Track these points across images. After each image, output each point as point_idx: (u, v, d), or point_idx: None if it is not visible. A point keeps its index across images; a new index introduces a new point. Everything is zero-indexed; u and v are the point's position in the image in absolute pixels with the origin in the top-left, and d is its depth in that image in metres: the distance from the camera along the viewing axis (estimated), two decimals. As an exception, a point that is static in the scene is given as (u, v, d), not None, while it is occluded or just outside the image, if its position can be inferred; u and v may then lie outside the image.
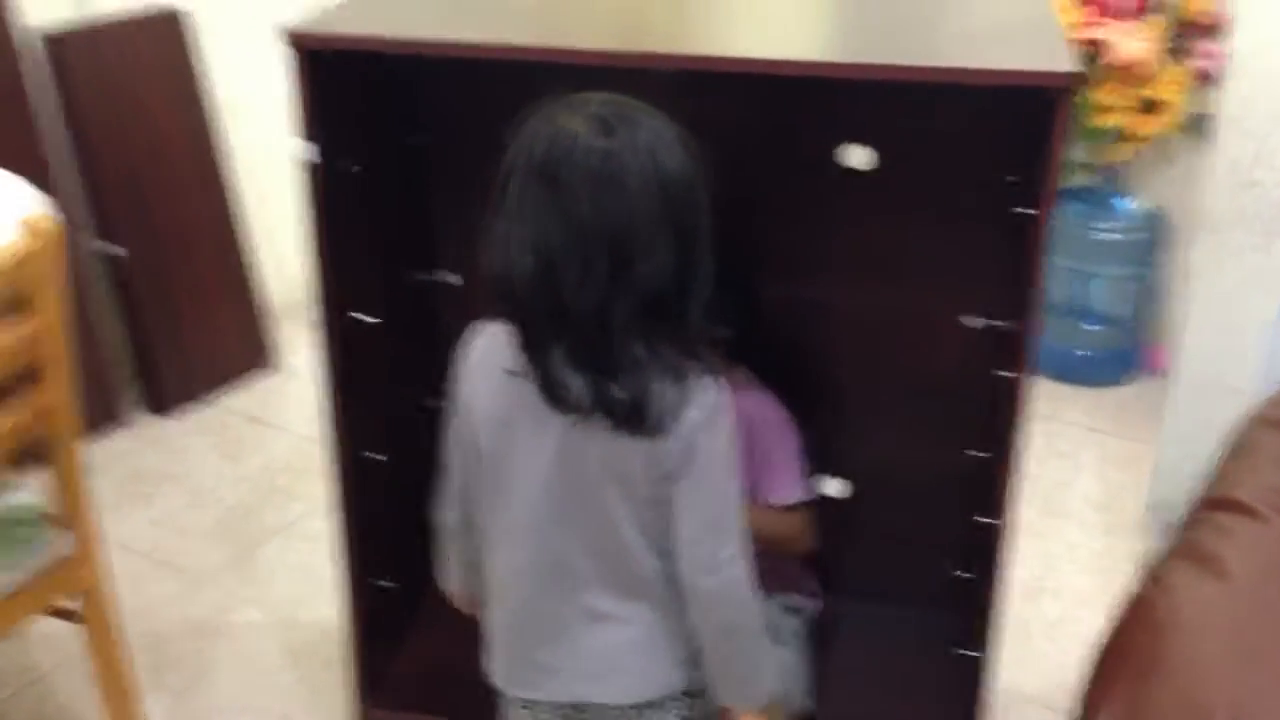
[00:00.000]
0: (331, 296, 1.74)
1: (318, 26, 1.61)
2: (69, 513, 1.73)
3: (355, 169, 1.77)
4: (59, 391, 1.66)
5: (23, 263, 1.55)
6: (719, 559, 1.28)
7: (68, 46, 2.79)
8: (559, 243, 1.14)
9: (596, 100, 1.19)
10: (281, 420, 3.09)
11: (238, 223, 3.20)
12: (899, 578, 2.12)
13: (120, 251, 2.95)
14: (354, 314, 1.82)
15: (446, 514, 1.46)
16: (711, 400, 1.23)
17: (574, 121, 1.17)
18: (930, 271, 1.89)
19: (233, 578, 2.50)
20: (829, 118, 1.82)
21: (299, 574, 2.50)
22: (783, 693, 1.71)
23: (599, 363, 1.19)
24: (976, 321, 1.87)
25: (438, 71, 1.93)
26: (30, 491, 1.71)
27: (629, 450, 1.22)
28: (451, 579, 1.53)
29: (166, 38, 2.98)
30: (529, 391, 1.22)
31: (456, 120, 1.98)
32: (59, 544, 1.72)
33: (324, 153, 1.66)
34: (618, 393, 1.18)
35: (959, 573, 2.00)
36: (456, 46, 1.62)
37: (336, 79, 1.65)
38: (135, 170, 2.95)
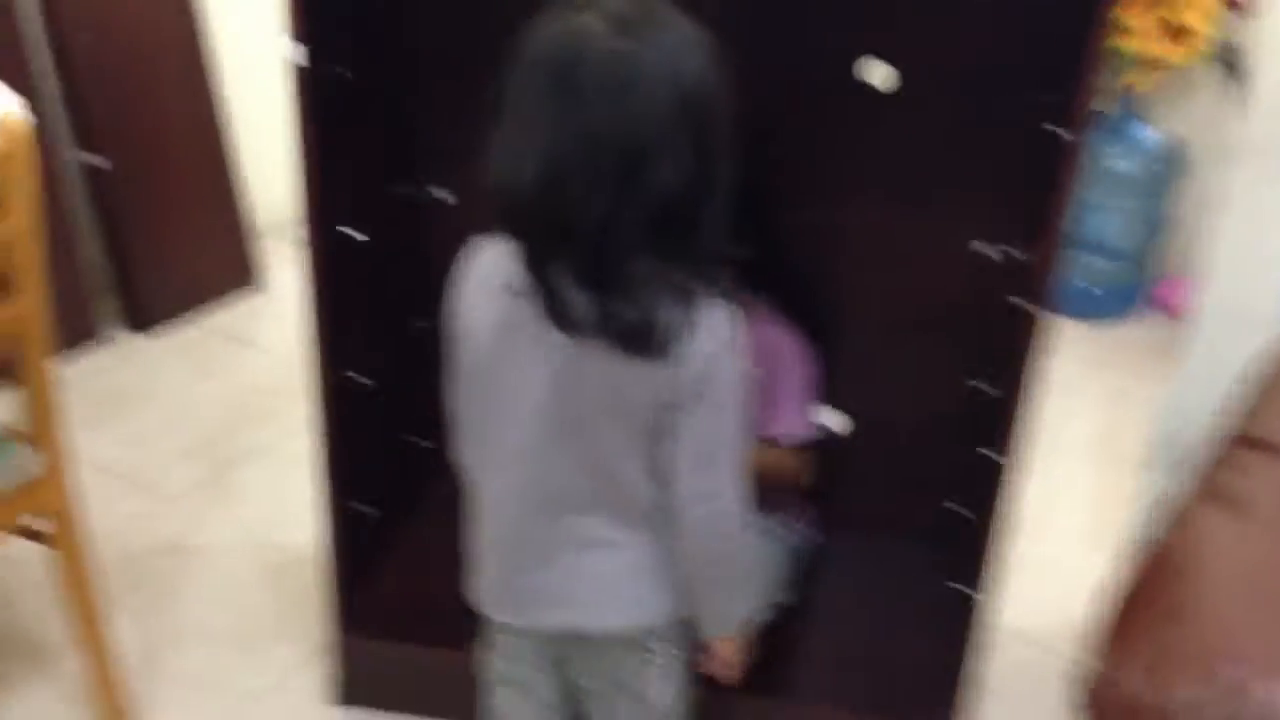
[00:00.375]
0: (318, 210, 1.65)
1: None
2: (39, 432, 1.65)
3: (345, 74, 1.67)
4: (31, 302, 1.58)
5: (-9, 164, 1.46)
6: (714, 490, 1.22)
7: (43, -58, 2.67)
8: (567, 149, 1.06)
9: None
10: (264, 340, 3.01)
11: (224, 134, 3.09)
12: (895, 512, 2.06)
13: (101, 162, 2.84)
14: (342, 229, 1.73)
15: (465, 454, 1.36)
16: (724, 328, 1.16)
17: (589, 19, 1.08)
18: (946, 196, 1.81)
19: (206, 498, 2.43)
20: (847, 29, 1.73)
21: (275, 496, 2.44)
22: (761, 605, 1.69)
23: (604, 280, 1.11)
24: (993, 250, 1.79)
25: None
26: (-3, 408, 1.63)
27: (631, 375, 1.15)
28: None
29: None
30: (529, 310, 1.15)
31: (451, 23, 1.88)
32: (28, 463, 1.64)
33: (313, 56, 1.56)
34: (623, 312, 1.11)
35: (955, 507, 1.95)
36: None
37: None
38: (118, 75, 2.83)
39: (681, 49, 1.09)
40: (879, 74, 1.72)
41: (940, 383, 1.92)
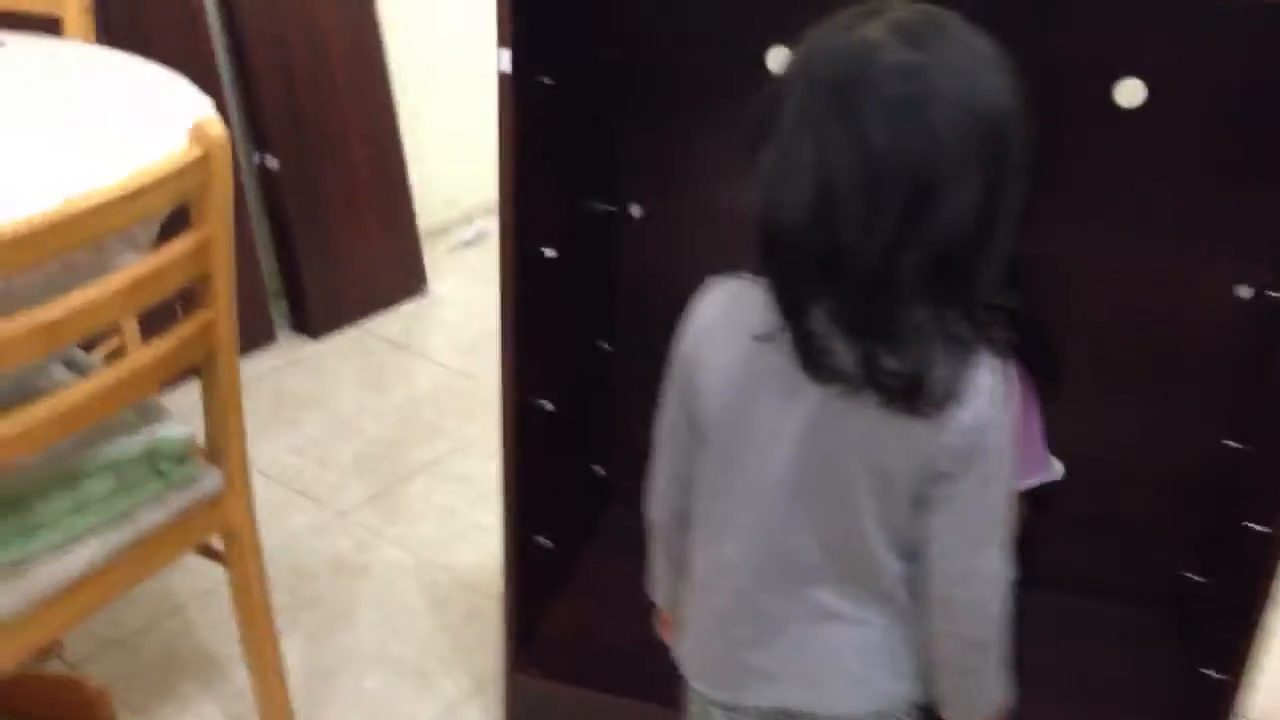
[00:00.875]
0: (518, 225, 1.55)
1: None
2: (220, 447, 1.59)
3: (547, 82, 1.57)
4: (221, 312, 1.51)
5: (192, 169, 1.40)
6: (979, 570, 1.08)
7: (229, -57, 2.65)
8: (845, 176, 0.93)
9: (899, 7, 0.97)
10: (427, 349, 2.95)
11: (396, 138, 3.04)
12: (1110, 572, 1.89)
13: (273, 163, 2.81)
14: (541, 248, 1.63)
15: (657, 509, 1.25)
16: (999, 386, 1.02)
17: (873, 31, 0.95)
18: (1194, 230, 1.64)
19: (376, 514, 2.36)
20: (1091, 48, 1.57)
21: (443, 516, 2.36)
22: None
23: (873, 326, 0.98)
24: (1246, 291, 1.61)
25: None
26: (178, 423, 1.57)
27: (894, 435, 1.02)
28: (660, 589, 1.32)
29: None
30: (779, 359, 1.02)
31: (652, 36, 1.77)
32: (211, 482, 1.58)
33: (518, 62, 1.46)
34: (893, 363, 0.98)
35: (1191, 575, 1.76)
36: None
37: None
38: (292, 77, 2.79)
39: (978, 65, 0.95)
40: (1126, 92, 1.55)
41: (1183, 437, 1.74)
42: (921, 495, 1.05)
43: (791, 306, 1.00)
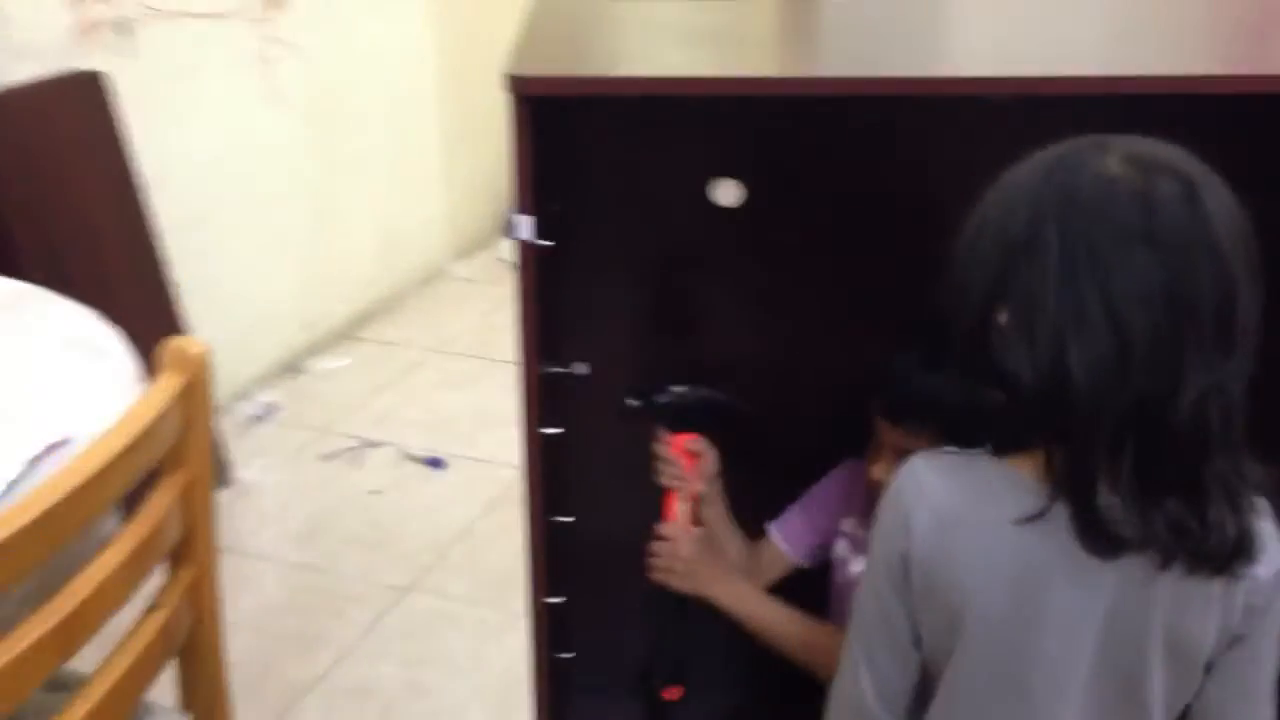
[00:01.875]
0: (543, 403, 1.36)
1: (537, 68, 1.25)
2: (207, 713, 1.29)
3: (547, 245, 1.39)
4: (205, 570, 1.23)
5: (179, 402, 1.13)
6: None
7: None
8: (1144, 318, 0.84)
9: (1114, 141, 0.90)
10: (259, 547, 2.60)
11: (176, 308, 2.70)
12: None
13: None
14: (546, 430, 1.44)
15: None
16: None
17: (1112, 166, 0.88)
18: None
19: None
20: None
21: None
22: None
23: (1177, 484, 0.88)
24: None
25: (593, 120, 1.57)
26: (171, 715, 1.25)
27: (1200, 605, 0.92)
28: None
29: (88, 102, 2.48)
30: (1056, 541, 0.91)
31: (599, 183, 1.63)
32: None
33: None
34: (1215, 524, 0.88)
35: None
36: (727, 82, 1.27)
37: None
38: (57, 250, 2.42)
39: (1225, 192, 0.89)
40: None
41: None
42: (1211, 664, 0.96)
43: (1083, 477, 0.89)
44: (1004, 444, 0.99)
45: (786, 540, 1.63)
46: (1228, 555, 0.89)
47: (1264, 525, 0.93)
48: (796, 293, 1.65)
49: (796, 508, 1.65)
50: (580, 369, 1.69)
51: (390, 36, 3.65)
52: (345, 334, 3.62)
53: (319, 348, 3.50)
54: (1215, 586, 0.92)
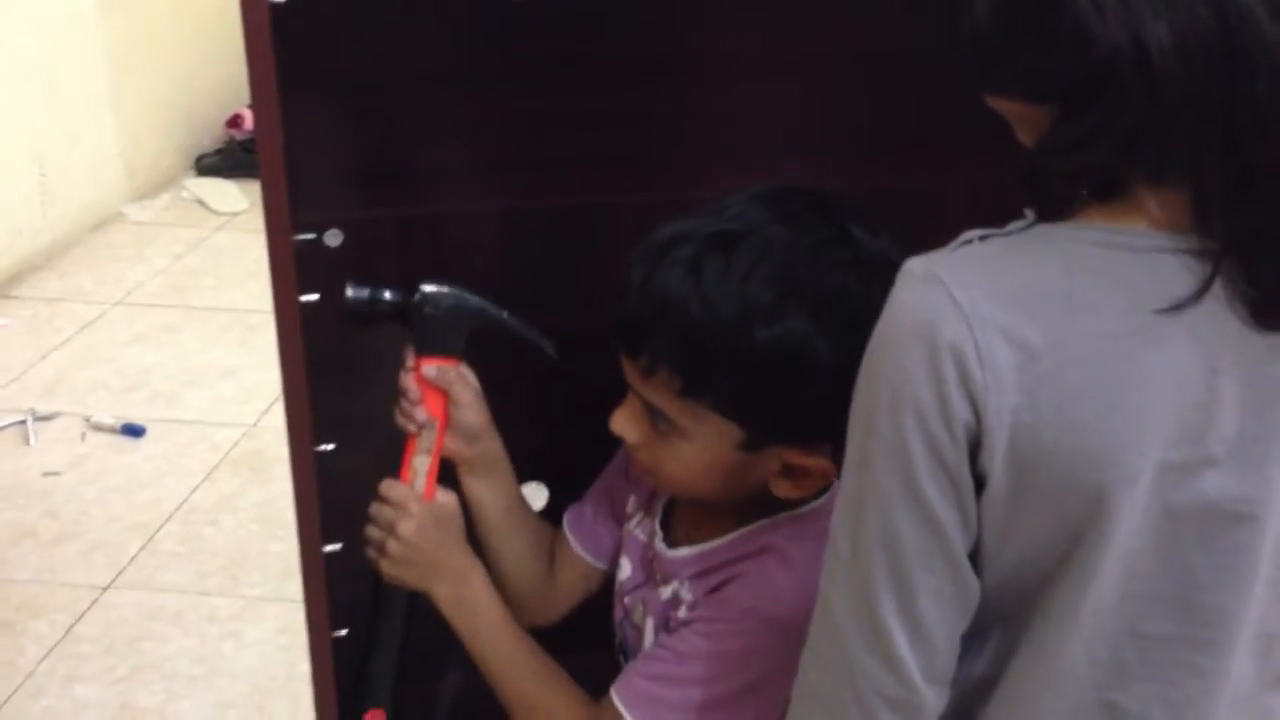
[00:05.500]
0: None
1: None
2: None
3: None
4: None
5: None
6: None
7: None
8: None
9: None
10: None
11: None
12: None
13: None
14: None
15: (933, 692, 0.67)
16: None
17: None
18: None
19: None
20: None
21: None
22: None
23: None
24: None
25: None
26: None
27: None
28: None
29: None
30: (1228, 323, 0.61)
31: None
32: None
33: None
34: None
35: None
36: None
37: None
38: None
39: None
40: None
41: None
42: None
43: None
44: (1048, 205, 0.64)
45: (576, 533, 1.11)
46: None
47: None
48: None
49: (593, 489, 1.12)
50: (334, 239, 1.21)
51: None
52: (-3, 293, 2.97)
53: (-38, 312, 2.85)
54: None
